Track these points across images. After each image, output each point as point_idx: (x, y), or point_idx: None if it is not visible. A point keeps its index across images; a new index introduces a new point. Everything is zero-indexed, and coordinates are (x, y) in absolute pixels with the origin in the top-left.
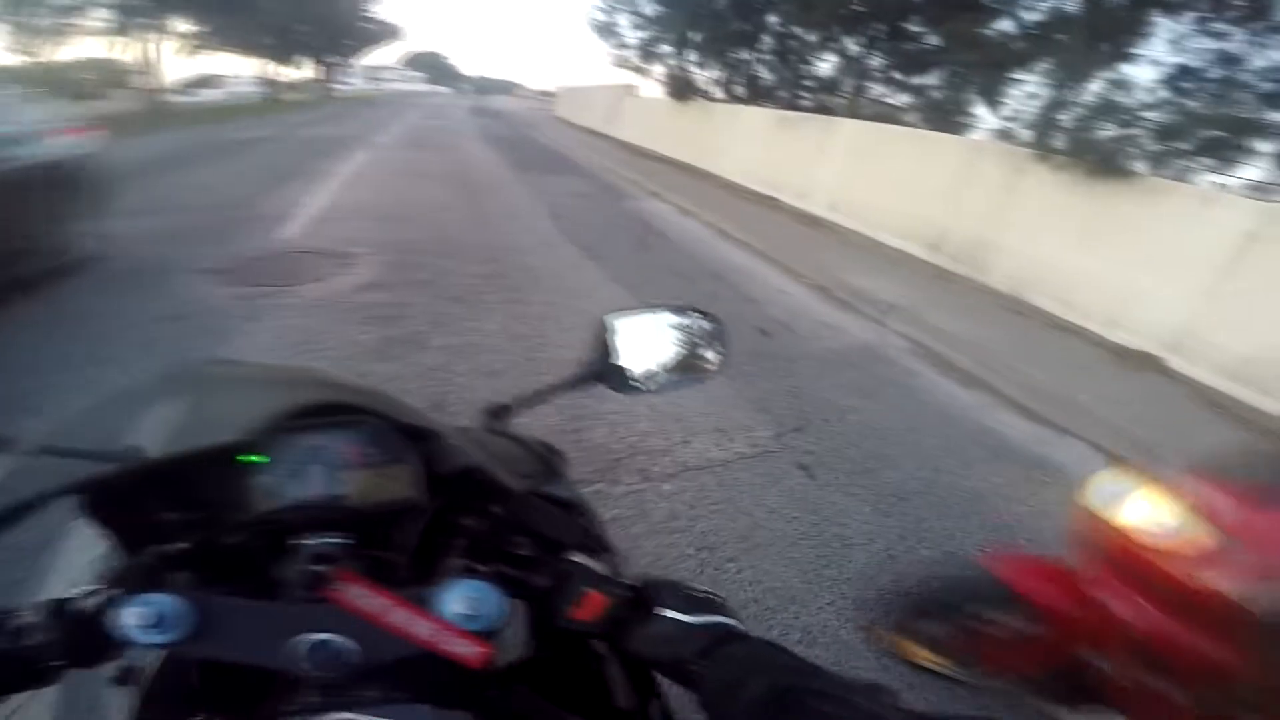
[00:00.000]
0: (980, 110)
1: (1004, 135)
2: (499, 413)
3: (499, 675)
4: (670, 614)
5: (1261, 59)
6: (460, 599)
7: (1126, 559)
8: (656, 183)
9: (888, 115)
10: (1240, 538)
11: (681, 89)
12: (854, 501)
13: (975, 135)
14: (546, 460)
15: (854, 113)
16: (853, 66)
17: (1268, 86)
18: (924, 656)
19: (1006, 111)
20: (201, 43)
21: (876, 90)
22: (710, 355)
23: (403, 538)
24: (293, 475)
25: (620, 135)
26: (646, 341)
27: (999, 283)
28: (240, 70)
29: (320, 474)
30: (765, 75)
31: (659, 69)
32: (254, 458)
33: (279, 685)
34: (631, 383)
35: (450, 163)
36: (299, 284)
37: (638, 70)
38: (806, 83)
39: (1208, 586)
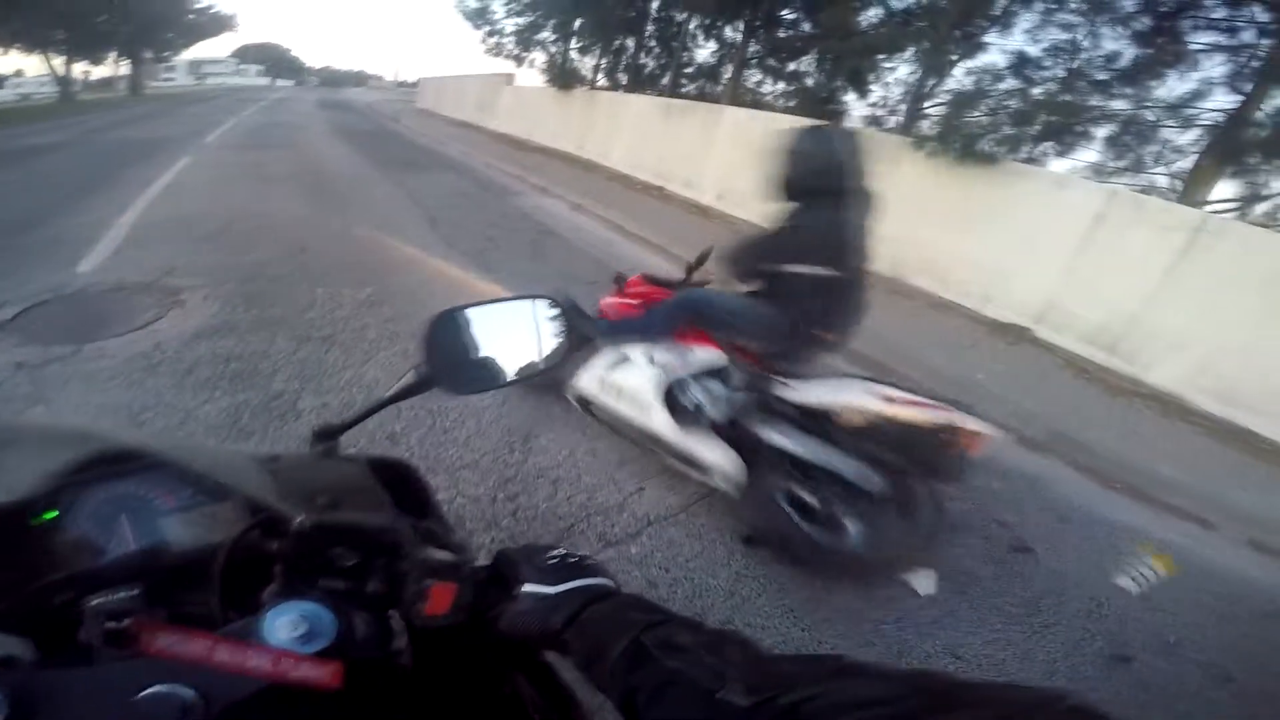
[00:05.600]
0: (852, 97)
1: (874, 122)
2: (327, 434)
3: (375, 692)
4: (531, 588)
5: (1099, 49)
6: (286, 624)
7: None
8: (542, 176)
9: (766, 103)
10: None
11: (564, 77)
12: None
13: (848, 123)
14: (390, 472)
15: (735, 100)
16: (733, 53)
17: (1103, 75)
18: None
19: (876, 99)
20: None
21: (755, 77)
22: (557, 343)
23: (206, 576)
24: (84, 529)
25: (497, 127)
26: (485, 336)
27: (881, 266)
28: (31, 68)
29: (111, 525)
30: (648, 62)
31: (539, 57)
32: (45, 516)
33: None
34: (469, 383)
35: (300, 164)
36: (107, 337)
37: (515, 59)
38: (688, 70)
39: None
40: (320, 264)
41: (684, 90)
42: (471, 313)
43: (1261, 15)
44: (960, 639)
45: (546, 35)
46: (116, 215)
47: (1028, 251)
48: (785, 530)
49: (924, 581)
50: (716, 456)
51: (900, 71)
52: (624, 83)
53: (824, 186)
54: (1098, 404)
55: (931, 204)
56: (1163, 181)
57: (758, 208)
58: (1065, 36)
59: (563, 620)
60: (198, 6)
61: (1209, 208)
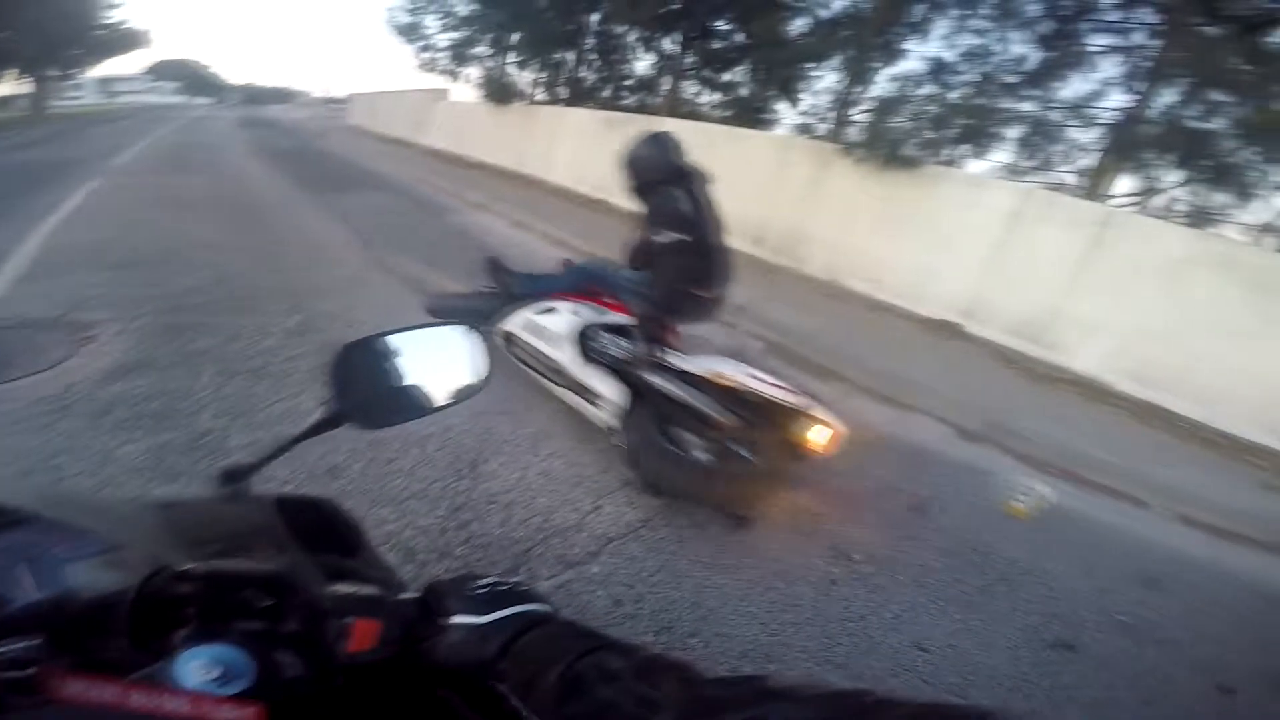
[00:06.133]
0: (784, 106)
1: (805, 130)
2: (233, 476)
3: None
4: (461, 619)
5: (1008, 53)
6: (200, 667)
7: None
8: (481, 193)
9: (704, 114)
10: None
11: (501, 92)
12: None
13: (780, 131)
14: (308, 511)
15: (673, 111)
16: (670, 65)
17: (1012, 79)
18: None
19: (806, 107)
20: None
21: (691, 89)
22: (473, 370)
23: (113, 622)
24: None
25: (432, 144)
26: (402, 364)
27: (818, 271)
28: None
29: (10, 575)
30: (588, 76)
31: (474, 71)
32: None
33: None
34: (387, 415)
35: (221, 186)
36: (10, 379)
37: (449, 74)
38: (627, 83)
39: None
40: (244, 292)
41: (624, 103)
42: (386, 340)
43: (1150, 18)
44: (924, 632)
45: (482, 50)
46: (16, 244)
47: (953, 250)
48: (660, 457)
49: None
50: (608, 389)
51: (828, 80)
52: (564, 96)
53: (665, 174)
54: (1026, 392)
55: (862, 209)
56: (1071, 179)
57: None
58: (978, 42)
59: (495, 650)
60: (107, 22)
61: (1112, 202)
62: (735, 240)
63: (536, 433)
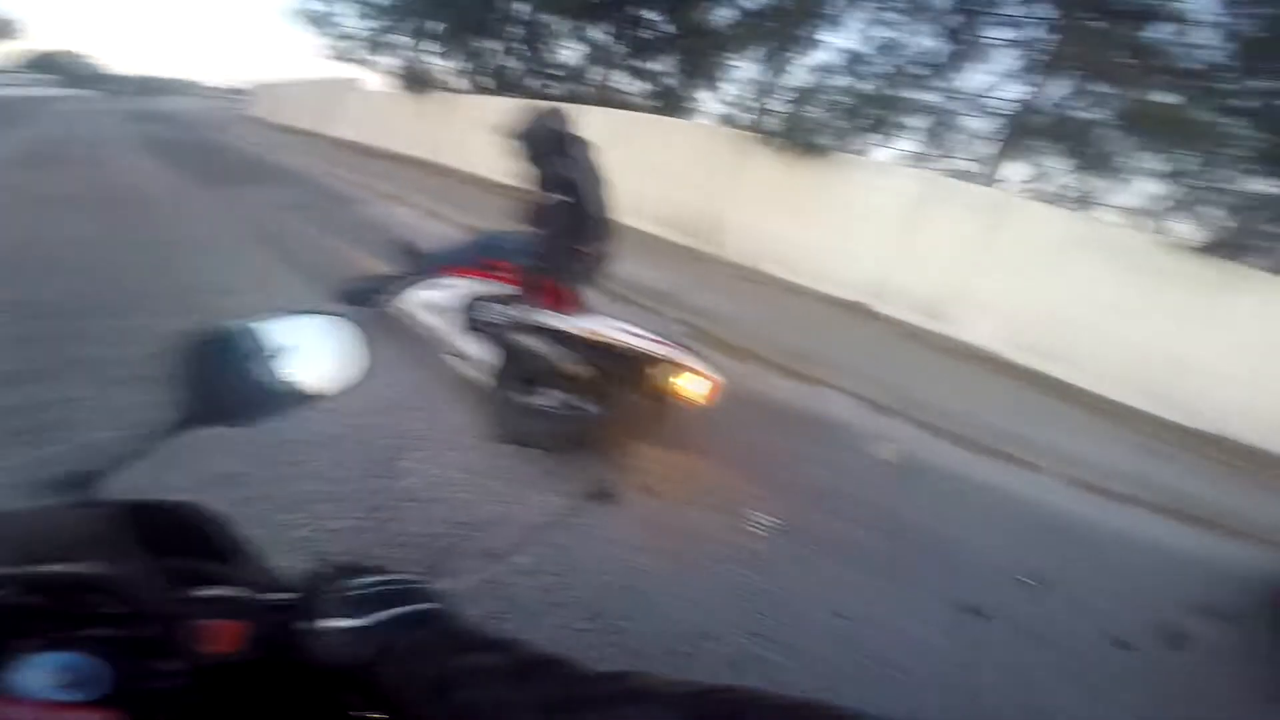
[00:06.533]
0: (708, 95)
1: (728, 120)
2: (75, 483)
3: None
4: (337, 621)
5: (917, 46)
6: (46, 675)
7: None
8: (394, 184)
9: (631, 103)
10: None
11: (419, 81)
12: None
13: (704, 120)
14: (167, 515)
15: (603, 101)
16: (601, 55)
17: (920, 70)
18: None
19: (729, 96)
20: None
21: (619, 78)
22: (344, 362)
23: None
24: None
25: (343, 134)
26: (264, 357)
27: (738, 256)
28: None
29: None
30: (513, 65)
31: (390, 61)
32: None
33: None
34: (246, 411)
35: (100, 181)
36: None
37: (362, 63)
38: (555, 72)
39: None
40: (126, 297)
41: (551, 92)
42: (251, 329)
43: (1047, 13)
44: (843, 600)
45: (399, 38)
46: None
47: (862, 235)
48: (518, 413)
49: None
50: (480, 351)
51: (751, 71)
52: (488, 86)
53: (550, 144)
54: (930, 366)
55: (780, 196)
56: (971, 166)
57: (625, 205)
58: (890, 34)
59: (372, 652)
60: None
61: (1007, 188)
62: (663, 230)
63: (455, 425)
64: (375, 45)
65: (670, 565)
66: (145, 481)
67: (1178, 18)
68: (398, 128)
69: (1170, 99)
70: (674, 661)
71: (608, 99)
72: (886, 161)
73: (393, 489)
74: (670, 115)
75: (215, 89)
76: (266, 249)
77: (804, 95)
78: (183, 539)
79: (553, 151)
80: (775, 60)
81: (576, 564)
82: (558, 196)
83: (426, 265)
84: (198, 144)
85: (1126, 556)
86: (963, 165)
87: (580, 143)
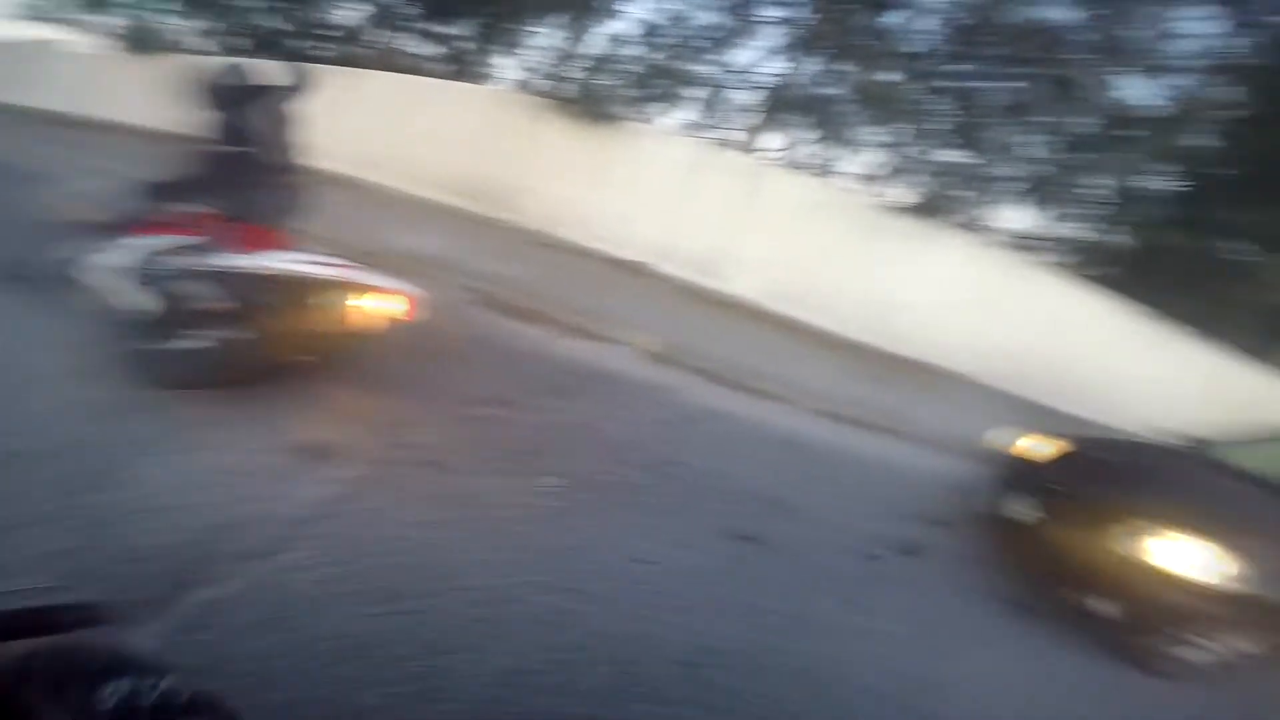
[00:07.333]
0: (505, 61)
1: (524, 86)
2: None
3: None
4: None
5: (703, 20)
6: None
7: None
8: (109, 158)
9: (422, 68)
10: None
11: (145, 42)
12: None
13: (500, 86)
14: None
15: (386, 65)
16: (386, 16)
17: (704, 44)
18: None
19: (526, 63)
20: None
21: (410, 42)
22: None
23: None
24: None
25: (41, 103)
26: None
27: (530, 222)
28: None
29: None
30: (273, 24)
31: (109, 19)
32: None
33: None
34: None
35: None
36: None
37: (68, 22)
38: (327, 33)
39: None
40: None
41: (320, 54)
42: None
43: None
44: (638, 545)
45: None
46: None
47: (646, 199)
48: (164, 358)
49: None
50: (147, 303)
51: (547, 38)
52: (238, 47)
53: (235, 95)
54: (702, 319)
55: (572, 162)
56: (739, 135)
57: (409, 172)
58: (676, 8)
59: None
60: None
61: (765, 156)
62: (451, 197)
63: (196, 422)
64: (93, 2)
65: (463, 535)
66: None
67: (907, 5)
68: (119, 94)
69: (890, 78)
70: (481, 629)
71: (394, 63)
72: (669, 130)
73: (123, 502)
74: (466, 80)
75: None
76: None
77: (599, 63)
78: None
79: (232, 104)
80: (574, 26)
81: (359, 551)
82: (239, 147)
83: (107, 229)
84: None
85: (865, 474)
86: (732, 135)
87: (265, 95)
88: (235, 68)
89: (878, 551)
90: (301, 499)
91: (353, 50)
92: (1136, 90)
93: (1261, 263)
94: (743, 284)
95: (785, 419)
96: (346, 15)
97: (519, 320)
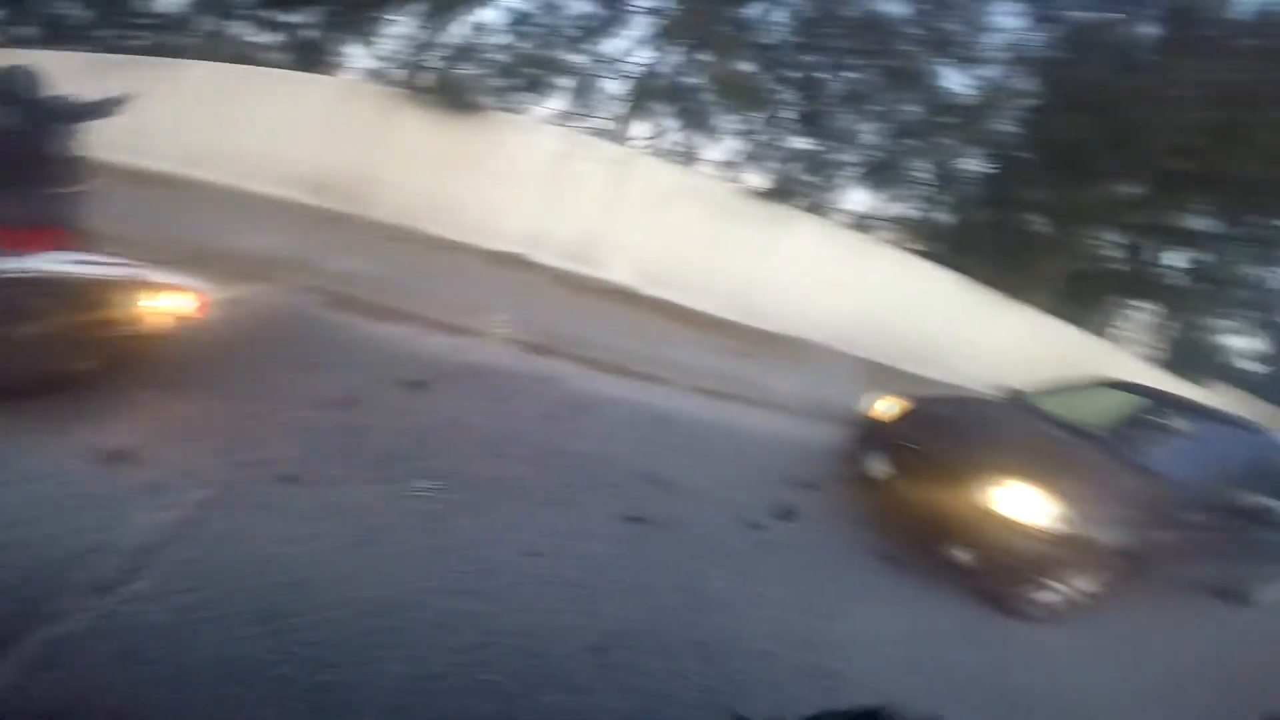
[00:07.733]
0: (356, 51)
1: (377, 76)
2: None
3: None
4: None
5: (571, 8)
6: None
7: None
8: None
9: (257, 57)
10: None
11: None
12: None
13: (349, 76)
14: None
15: (211, 54)
16: (218, 3)
17: (575, 33)
18: None
19: (380, 52)
20: None
21: (245, 30)
22: None
23: None
24: None
25: None
26: None
27: (389, 216)
28: None
29: None
30: (73, 12)
31: None
32: None
33: None
34: None
35: None
36: None
37: None
38: (142, 21)
39: None
40: None
41: (132, 44)
42: None
43: None
44: (531, 538)
45: None
46: None
47: (515, 189)
48: None
49: None
50: None
51: (404, 28)
52: (31, 37)
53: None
54: (577, 307)
55: (433, 153)
56: (607, 124)
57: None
58: None
59: None
60: None
61: (632, 144)
62: (292, 192)
63: (10, 453)
64: None
65: (336, 548)
66: None
67: None
68: None
69: (746, 68)
70: (371, 640)
71: (225, 53)
72: (536, 119)
73: None
74: (310, 71)
75: None
76: None
77: (460, 52)
78: None
79: (8, 102)
80: (431, 16)
81: (219, 575)
82: (12, 145)
83: None
84: None
85: (741, 446)
86: (601, 124)
87: (29, 92)
88: (14, 69)
89: (760, 520)
90: (143, 525)
91: (177, 40)
92: (954, 80)
93: (1058, 235)
94: (615, 270)
95: (662, 399)
96: (169, 2)
97: (375, 319)
